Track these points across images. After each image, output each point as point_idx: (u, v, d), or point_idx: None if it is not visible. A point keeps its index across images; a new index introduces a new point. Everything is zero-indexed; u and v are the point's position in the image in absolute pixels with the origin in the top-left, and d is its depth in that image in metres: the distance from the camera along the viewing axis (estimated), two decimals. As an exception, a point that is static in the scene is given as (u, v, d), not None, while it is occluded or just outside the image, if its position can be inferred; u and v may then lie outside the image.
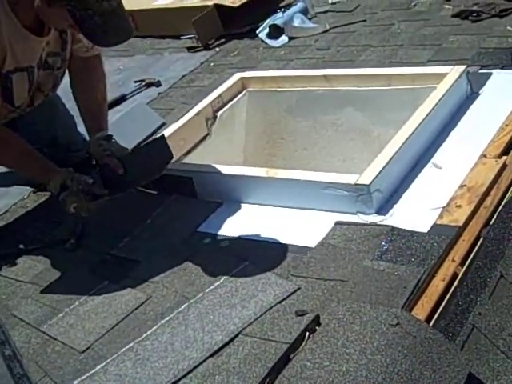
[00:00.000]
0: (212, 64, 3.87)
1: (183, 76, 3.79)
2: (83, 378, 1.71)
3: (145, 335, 1.79)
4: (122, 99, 3.58)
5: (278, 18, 3.96)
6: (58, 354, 1.84)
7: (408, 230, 1.94)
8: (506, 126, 2.35)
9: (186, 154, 2.92)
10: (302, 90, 3.09)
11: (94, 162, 2.52)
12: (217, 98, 3.10)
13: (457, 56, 2.99)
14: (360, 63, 3.27)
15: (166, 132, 2.85)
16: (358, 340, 1.54)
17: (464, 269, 1.78)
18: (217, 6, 4.16)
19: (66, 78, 2.67)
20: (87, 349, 1.82)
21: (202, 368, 1.62)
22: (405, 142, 2.23)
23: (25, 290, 2.18)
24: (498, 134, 2.32)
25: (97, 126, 2.54)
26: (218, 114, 3.09)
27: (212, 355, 1.65)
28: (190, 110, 3.04)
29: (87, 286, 2.09)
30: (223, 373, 1.59)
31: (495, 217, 1.95)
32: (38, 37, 2.30)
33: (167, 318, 1.83)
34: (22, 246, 2.40)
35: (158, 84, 3.73)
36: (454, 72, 2.61)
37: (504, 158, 2.19)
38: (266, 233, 2.12)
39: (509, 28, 3.16)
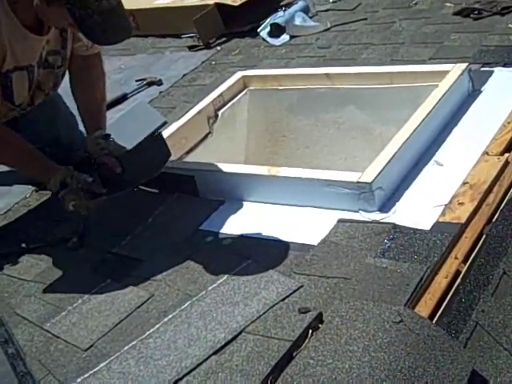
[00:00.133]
0: (213, 63, 3.87)
1: (184, 75, 3.79)
2: (86, 375, 1.71)
3: (148, 333, 1.79)
4: (123, 98, 3.58)
5: (279, 17, 3.96)
6: (61, 352, 1.84)
7: (410, 228, 1.94)
8: (508, 123, 2.35)
9: (188, 152, 2.92)
10: (303, 88, 3.09)
11: (92, 161, 2.52)
12: (218, 96, 3.10)
13: (458, 54, 2.99)
14: (361, 61, 3.27)
15: (168, 131, 2.85)
16: (361, 337, 1.54)
17: (467, 266, 1.78)
18: (218, 4, 4.16)
19: (67, 77, 2.67)
20: (90, 347, 1.82)
21: (205, 366, 1.62)
22: (407, 139, 2.23)
23: (27, 289, 2.18)
24: (500, 132, 2.32)
25: (95, 125, 2.53)
26: (220, 113, 3.09)
27: (215, 353, 1.65)
28: (192, 108, 3.04)
29: (90, 285, 2.09)
30: (226, 370, 1.59)
31: (498, 214, 1.95)
32: (37, 36, 2.29)
33: (170, 316, 1.83)
34: (24, 245, 2.40)
35: (159, 83, 3.73)
36: (455, 70, 2.61)
37: (506, 155, 2.19)
38: (268, 231, 2.12)
39: (510, 26, 3.15)
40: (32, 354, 1.85)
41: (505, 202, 2.00)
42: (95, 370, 1.72)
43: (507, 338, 1.62)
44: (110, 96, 3.16)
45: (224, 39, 4.16)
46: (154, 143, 2.40)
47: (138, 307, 1.92)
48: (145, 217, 2.37)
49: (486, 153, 2.22)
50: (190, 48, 4.17)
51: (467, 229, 1.91)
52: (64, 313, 2.00)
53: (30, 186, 2.85)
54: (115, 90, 3.56)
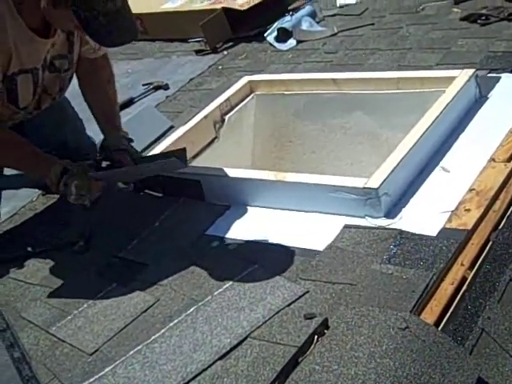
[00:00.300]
0: (220, 67, 3.87)
1: (191, 79, 3.79)
2: (92, 380, 1.71)
3: (153, 338, 1.79)
4: (130, 102, 3.59)
5: (286, 22, 3.96)
6: (67, 357, 1.84)
7: (417, 234, 1.94)
8: (515, 129, 2.35)
9: (194, 157, 2.93)
10: (310, 93, 3.09)
11: (104, 156, 2.53)
12: (225, 101, 3.11)
13: (465, 59, 2.99)
14: (368, 67, 3.26)
15: (174, 135, 2.85)
16: (367, 344, 1.54)
17: (473, 273, 1.78)
18: (225, 9, 4.17)
19: (75, 81, 2.68)
20: (96, 351, 1.82)
21: (211, 371, 1.62)
22: (413, 145, 2.23)
23: (33, 292, 2.19)
24: (507, 138, 2.31)
25: (111, 126, 2.58)
26: (226, 118, 3.09)
27: (220, 358, 1.65)
28: (198, 113, 3.05)
29: (96, 289, 2.09)
30: (231, 376, 1.59)
31: (504, 221, 1.95)
32: (43, 38, 2.30)
33: (175, 321, 1.83)
34: (30, 249, 2.41)
35: (166, 87, 3.74)
36: (462, 75, 2.60)
37: (513, 161, 2.18)
38: (274, 236, 2.12)
39: (518, 31, 3.15)
40: (37, 358, 1.85)
41: (511, 208, 1.99)
42: (100, 374, 1.72)
43: (513, 345, 1.62)
44: (118, 99, 3.17)
45: (231, 44, 4.17)
46: (174, 163, 2.40)
47: (144, 312, 1.92)
48: (151, 221, 2.38)
49: (492, 159, 2.21)
50: (197, 52, 4.19)
51: (474, 235, 1.90)
52: (70, 317, 2.00)
53: (36, 190, 2.86)
54: (122, 94, 3.55)
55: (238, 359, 1.63)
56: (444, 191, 2.13)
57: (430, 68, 3.02)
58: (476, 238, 1.89)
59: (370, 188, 2.06)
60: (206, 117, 3.00)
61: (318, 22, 4.06)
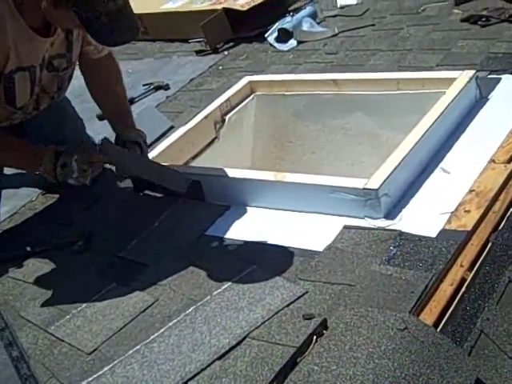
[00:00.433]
0: (220, 67, 3.87)
1: (192, 79, 3.79)
2: (90, 379, 1.71)
3: (152, 337, 1.79)
4: (130, 102, 3.58)
5: (287, 22, 3.96)
6: (65, 356, 1.84)
7: (416, 235, 1.93)
8: (515, 131, 2.35)
9: (194, 157, 2.93)
10: (310, 94, 3.09)
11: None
12: (225, 101, 3.11)
13: (466, 61, 2.99)
14: (369, 67, 3.26)
15: (175, 135, 2.86)
16: (366, 344, 1.54)
17: (472, 274, 1.77)
18: (226, 9, 4.17)
19: (76, 80, 2.68)
20: (94, 350, 1.82)
21: (209, 371, 1.62)
22: (413, 146, 2.23)
23: (32, 292, 2.19)
24: (507, 139, 2.31)
25: (125, 124, 2.61)
26: (227, 118, 3.09)
27: (219, 358, 1.65)
28: (199, 113, 3.05)
29: (95, 288, 2.09)
30: (230, 376, 1.58)
31: (504, 222, 1.94)
32: (43, 37, 2.30)
33: (174, 321, 1.83)
34: (29, 249, 2.41)
35: (166, 87, 3.74)
36: (463, 77, 2.60)
37: (513, 163, 2.18)
38: (273, 236, 2.12)
39: (518, 33, 3.15)
40: (36, 357, 1.85)
41: (511, 210, 1.99)
42: (99, 373, 1.72)
43: (512, 346, 1.62)
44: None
45: (231, 44, 4.17)
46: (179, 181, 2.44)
47: (143, 311, 1.92)
48: (151, 221, 2.37)
49: (492, 160, 2.21)
50: (198, 53, 4.19)
51: (473, 236, 1.90)
52: (68, 316, 2.00)
53: (36, 189, 2.86)
54: (123, 94, 3.57)
55: (236, 359, 1.63)
56: (444, 192, 2.13)
57: (430, 69, 3.01)
58: (475, 239, 1.89)
59: (369, 189, 2.06)
60: (206, 117, 3.00)
61: (318, 23, 4.05)
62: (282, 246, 2.06)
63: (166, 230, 2.32)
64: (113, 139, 2.56)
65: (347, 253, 1.93)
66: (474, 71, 2.65)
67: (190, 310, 1.85)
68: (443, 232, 1.93)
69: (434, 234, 1.92)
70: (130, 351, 1.76)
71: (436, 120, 2.36)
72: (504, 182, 2.09)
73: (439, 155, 2.34)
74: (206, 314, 1.82)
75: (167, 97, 3.62)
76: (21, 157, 2.44)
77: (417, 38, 3.44)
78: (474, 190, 2.08)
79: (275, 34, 3.96)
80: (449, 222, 1.97)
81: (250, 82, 3.23)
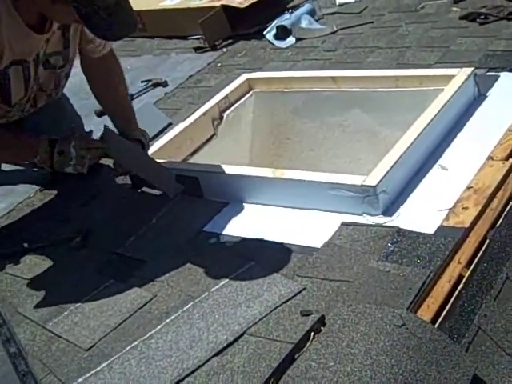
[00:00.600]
0: (219, 64, 3.87)
1: (190, 76, 3.79)
2: (88, 375, 1.71)
3: (149, 334, 1.79)
4: (128, 99, 3.59)
5: (286, 19, 3.96)
6: (63, 352, 1.84)
7: (414, 232, 1.94)
8: (513, 128, 2.35)
9: (193, 153, 2.93)
10: (308, 91, 3.09)
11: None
12: (223, 98, 3.11)
13: (464, 58, 2.99)
14: (367, 65, 3.26)
15: (173, 132, 2.85)
16: (363, 340, 1.54)
17: (470, 271, 1.78)
18: (224, 6, 4.17)
19: (74, 78, 2.68)
20: (92, 347, 1.82)
21: (207, 367, 1.62)
22: (411, 143, 2.23)
23: (30, 288, 2.18)
24: (505, 137, 2.31)
25: (128, 123, 2.61)
26: (225, 115, 3.09)
27: (217, 354, 1.65)
28: (197, 110, 3.05)
29: (92, 285, 2.09)
30: (228, 372, 1.59)
31: (502, 219, 1.95)
32: (39, 34, 2.29)
33: (172, 317, 1.83)
34: (26, 245, 2.41)
35: (164, 84, 3.73)
36: (461, 74, 2.60)
37: (511, 160, 2.18)
38: (271, 233, 2.12)
39: (517, 30, 3.15)
40: (33, 354, 1.85)
41: (509, 207, 1.99)
42: (96, 369, 1.72)
43: (509, 343, 1.62)
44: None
45: (230, 41, 4.16)
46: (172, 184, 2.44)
47: (141, 308, 1.92)
48: (148, 218, 2.37)
49: (490, 157, 2.21)
50: (196, 49, 4.18)
51: (471, 233, 1.90)
52: (66, 312, 2.00)
53: (34, 186, 2.86)
54: (121, 90, 3.56)
55: (234, 355, 1.63)
56: (442, 189, 2.13)
57: (428, 66, 3.02)
58: (473, 235, 1.89)
59: (368, 186, 2.06)
60: (204, 114, 3.00)
61: (317, 20, 4.05)
62: (280, 243, 2.06)
63: (164, 226, 2.32)
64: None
65: (345, 249, 1.93)
66: (472, 69, 2.64)
67: (187, 306, 1.85)
68: (441, 229, 1.93)
69: (431, 231, 1.93)
70: (128, 347, 1.76)
71: (434, 117, 2.36)
72: (502, 179, 2.09)
73: (437, 152, 2.34)
74: (203, 310, 1.82)
75: (165, 93, 3.62)
76: (18, 152, 2.45)
77: (415, 36, 3.44)
78: (471, 187, 2.08)
79: (274, 31, 3.96)
80: (447, 218, 1.97)
81: (249, 79, 3.23)
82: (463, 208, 1.99)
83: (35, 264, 2.31)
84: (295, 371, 1.53)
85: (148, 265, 2.13)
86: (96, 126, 2.92)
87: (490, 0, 3.52)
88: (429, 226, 1.95)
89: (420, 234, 1.92)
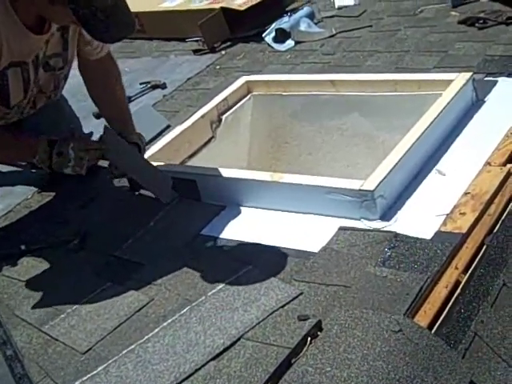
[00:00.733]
0: (218, 67, 3.87)
1: (189, 79, 3.79)
2: (84, 379, 1.71)
3: (146, 337, 1.79)
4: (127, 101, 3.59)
5: (285, 22, 3.96)
6: (60, 355, 1.84)
7: (411, 237, 1.94)
8: (511, 133, 2.35)
9: (191, 156, 2.93)
10: (307, 94, 3.09)
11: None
12: (222, 101, 3.11)
13: (463, 63, 2.99)
14: (366, 68, 3.27)
15: (171, 134, 2.85)
16: (360, 346, 1.54)
17: (467, 276, 1.78)
18: (223, 9, 4.17)
19: (72, 79, 2.68)
20: (88, 350, 1.82)
21: (204, 371, 1.62)
22: (409, 148, 2.23)
23: (27, 290, 2.18)
24: (503, 142, 2.31)
25: (125, 126, 2.61)
26: (223, 117, 3.09)
27: (213, 359, 1.65)
28: (195, 112, 3.05)
29: (90, 288, 2.09)
30: (224, 376, 1.59)
31: (499, 225, 1.95)
32: (37, 35, 2.29)
33: (169, 321, 1.82)
34: (23, 247, 2.40)
35: (163, 86, 3.73)
36: (459, 79, 2.61)
37: (509, 165, 2.18)
38: (269, 237, 2.12)
39: (515, 36, 3.15)
40: (30, 356, 1.85)
41: (506, 212, 1.99)
42: (93, 373, 1.72)
43: (506, 349, 1.62)
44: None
45: (229, 44, 4.16)
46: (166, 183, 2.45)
47: (138, 311, 1.92)
48: (146, 220, 2.37)
49: (488, 163, 2.22)
50: (195, 52, 4.18)
51: (468, 239, 1.90)
52: (63, 315, 1.99)
53: (32, 187, 2.85)
54: (119, 92, 3.56)
55: (231, 360, 1.63)
56: (439, 194, 2.13)
57: (427, 71, 3.02)
58: (471, 241, 1.89)
59: (365, 190, 2.06)
60: (203, 116, 3.00)
61: (316, 24, 4.05)
62: (277, 247, 2.06)
63: (162, 229, 2.32)
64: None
65: (342, 254, 1.93)
66: (470, 73, 2.65)
67: (184, 310, 1.85)
68: (438, 234, 1.93)
69: (429, 236, 1.93)
70: (125, 351, 1.76)
71: (432, 122, 2.36)
72: (499, 185, 2.09)
73: (435, 157, 2.34)
74: (200, 314, 1.82)
75: (164, 96, 3.61)
76: (17, 152, 2.47)
77: (414, 40, 3.45)
78: (469, 193, 2.08)
79: (273, 34, 3.96)
80: (444, 224, 1.97)
81: (247, 82, 3.23)
82: (461, 213, 2.00)
83: (32, 266, 2.31)
84: (292, 376, 1.53)
85: (145, 268, 2.13)
86: (94, 127, 2.92)
87: (488, 5, 3.53)
88: (426, 232, 1.95)
89: (417, 239, 1.92)
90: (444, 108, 2.43)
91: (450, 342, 1.61)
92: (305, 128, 3.20)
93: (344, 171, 3.03)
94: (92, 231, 2.41)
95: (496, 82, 2.75)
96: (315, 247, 2.00)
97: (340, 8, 4.23)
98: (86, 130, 2.92)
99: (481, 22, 3.36)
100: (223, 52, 4.09)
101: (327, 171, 2.94)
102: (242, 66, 3.77)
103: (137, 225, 2.36)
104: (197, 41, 4.28)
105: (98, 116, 3.18)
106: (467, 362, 1.56)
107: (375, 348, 1.53)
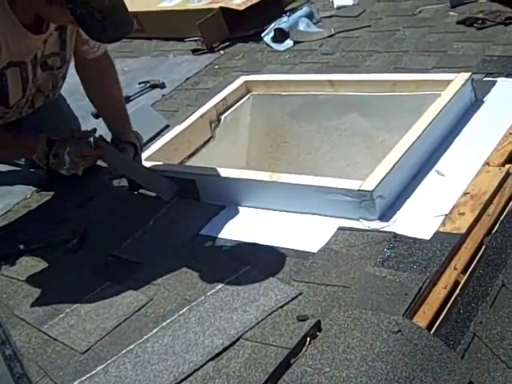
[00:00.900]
0: (216, 67, 3.87)
1: (187, 78, 3.79)
2: (83, 378, 1.71)
3: (145, 337, 1.79)
4: (126, 101, 3.57)
5: (284, 22, 3.96)
6: (59, 355, 1.84)
7: (410, 237, 1.94)
8: (510, 134, 2.35)
9: (190, 156, 2.92)
10: (306, 94, 3.09)
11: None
12: (221, 100, 3.11)
13: (461, 63, 2.99)
14: (365, 68, 3.27)
15: (170, 134, 2.85)
16: (359, 346, 1.54)
17: (466, 277, 1.78)
18: (222, 8, 4.17)
19: (71, 78, 2.68)
20: (87, 350, 1.82)
21: (203, 371, 1.62)
22: (408, 148, 2.23)
23: (26, 290, 2.18)
24: (502, 142, 2.32)
25: (122, 126, 2.61)
26: (222, 117, 3.09)
27: (212, 359, 1.65)
28: (194, 112, 3.05)
29: (89, 287, 2.09)
30: (223, 376, 1.59)
31: (498, 225, 1.95)
32: (36, 35, 2.29)
33: (168, 321, 1.83)
34: (22, 247, 2.40)
35: (162, 86, 3.73)
36: (458, 79, 2.61)
37: (507, 166, 2.18)
38: (268, 237, 2.12)
39: (514, 36, 3.16)
40: (29, 356, 1.85)
41: (505, 213, 2.00)
42: (92, 373, 1.72)
43: (505, 350, 1.62)
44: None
45: (228, 43, 4.16)
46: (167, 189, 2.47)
47: (137, 311, 1.92)
48: (145, 220, 2.37)
49: (487, 163, 2.22)
50: (194, 51, 4.18)
51: (467, 239, 1.90)
52: (62, 315, 1.99)
53: (30, 187, 2.85)
54: (118, 92, 3.56)
55: (230, 360, 1.63)
56: (438, 195, 2.13)
57: (426, 71, 3.02)
58: (469, 242, 1.89)
59: (364, 190, 2.06)
60: (202, 116, 3.00)
61: (315, 23, 4.05)
62: (276, 247, 2.06)
63: (161, 229, 2.32)
64: (109, 139, 2.56)
65: (341, 254, 1.93)
66: (469, 74, 2.65)
67: (183, 310, 1.85)
68: (437, 234, 1.93)
69: (428, 237, 1.93)
70: (124, 351, 1.76)
71: (431, 122, 2.36)
72: (498, 185, 2.09)
73: (434, 157, 2.34)
74: (199, 314, 1.82)
75: (163, 95, 3.61)
76: (17, 151, 2.49)
77: (413, 40, 3.45)
78: (468, 193, 2.09)
79: (271, 34, 3.96)
80: (443, 224, 1.97)
81: (246, 82, 3.23)
82: (460, 214, 2.00)
83: (31, 266, 2.31)
84: (291, 376, 1.53)
85: (144, 268, 2.13)
86: (93, 127, 2.91)
87: (487, 5, 3.54)
88: (425, 232, 1.95)
89: (416, 239, 1.93)
90: (443, 108, 2.44)
91: (449, 342, 1.61)
92: (304, 128, 3.20)
93: (343, 171, 3.03)
94: (91, 231, 2.41)
95: (495, 82, 2.75)
96: (314, 247, 2.00)
97: (339, 8, 4.23)
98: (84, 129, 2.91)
99: (479, 22, 3.36)
100: (222, 52, 4.09)
101: (326, 171, 2.94)
102: (241, 66, 3.77)
103: (136, 224, 2.36)
104: (196, 40, 4.28)
105: (96, 115, 3.17)
106: (466, 363, 1.57)
107: (374, 348, 1.53)
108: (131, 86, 3.78)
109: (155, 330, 1.80)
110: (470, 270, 1.80)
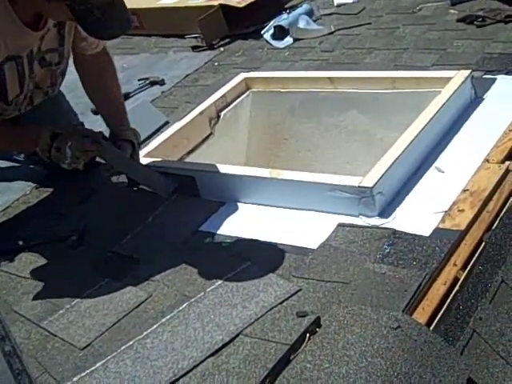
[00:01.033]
0: (216, 64, 3.86)
1: (187, 75, 3.78)
2: (83, 374, 1.71)
3: (145, 333, 1.79)
4: (125, 97, 3.57)
5: (283, 19, 3.96)
6: (58, 351, 1.84)
7: (410, 234, 1.94)
8: (510, 131, 2.35)
9: (189, 153, 2.92)
10: (305, 91, 3.09)
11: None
12: (220, 97, 3.10)
13: (461, 61, 2.99)
14: (364, 66, 3.26)
15: (170, 131, 2.85)
16: (359, 342, 1.54)
17: (465, 273, 1.78)
18: (222, 5, 4.16)
19: (70, 75, 2.67)
20: (87, 346, 1.82)
21: (202, 367, 1.62)
22: (408, 145, 2.23)
23: (25, 286, 2.18)
24: (502, 139, 2.31)
25: (120, 123, 2.60)
26: (222, 114, 3.09)
27: (212, 355, 1.65)
28: (194, 109, 3.05)
29: (88, 283, 2.09)
30: (223, 373, 1.59)
31: (497, 222, 1.95)
32: (34, 31, 2.29)
33: (168, 317, 1.83)
34: (21, 243, 2.40)
35: (161, 83, 3.73)
36: (458, 76, 2.61)
37: (507, 163, 2.18)
38: (267, 233, 2.12)
39: (514, 33, 3.15)
40: (29, 352, 1.85)
41: (505, 209, 2.00)
42: (92, 369, 1.72)
43: (504, 346, 1.62)
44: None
45: (227, 40, 4.16)
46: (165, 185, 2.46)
47: (136, 307, 1.92)
48: (145, 216, 2.37)
49: (487, 160, 2.22)
50: (194, 48, 4.18)
51: (467, 236, 1.90)
52: (61, 311, 2.00)
53: (30, 183, 2.85)
54: (118, 89, 3.55)
55: (229, 356, 1.63)
56: (438, 191, 2.14)
57: (426, 68, 3.02)
58: (469, 238, 1.90)
59: (364, 187, 2.06)
60: (201, 113, 3.00)
61: (314, 21, 4.05)
62: (276, 243, 2.06)
63: (160, 225, 2.32)
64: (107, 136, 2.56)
65: (341, 251, 1.93)
66: (469, 71, 2.65)
67: (183, 306, 1.85)
68: (437, 231, 1.93)
69: (427, 233, 1.93)
70: (123, 347, 1.76)
71: (431, 119, 2.36)
72: (498, 182, 2.09)
73: (434, 154, 2.34)
74: (199, 310, 1.82)
75: (162, 92, 3.61)
76: (20, 144, 2.50)
77: (413, 38, 3.44)
78: (468, 190, 2.09)
79: (271, 31, 3.95)
80: (443, 220, 1.98)
81: (246, 79, 3.23)
82: (459, 210, 2.00)
83: (31, 262, 2.31)
84: (290, 372, 1.53)
85: (144, 264, 2.13)
86: (92, 123, 2.91)
87: (487, 3, 3.53)
88: (425, 228, 1.95)
89: (416, 236, 1.93)
90: (443, 105, 2.43)
91: (449, 338, 1.61)
92: (303, 125, 3.20)
93: (343, 168, 3.03)
94: (90, 227, 2.41)
95: (495, 79, 2.75)
96: (314, 244, 2.00)
97: (339, 5, 4.23)
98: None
99: (479, 19, 3.36)
100: (222, 49, 4.08)
101: (326, 168, 2.94)
102: (241, 63, 3.76)
103: (135, 221, 2.36)
104: (195, 37, 4.28)
105: (95, 112, 3.17)
106: (465, 359, 1.57)
107: (374, 344, 1.53)
108: (131, 82, 3.78)
109: (155, 326, 1.80)
110: (469, 266, 1.80)
